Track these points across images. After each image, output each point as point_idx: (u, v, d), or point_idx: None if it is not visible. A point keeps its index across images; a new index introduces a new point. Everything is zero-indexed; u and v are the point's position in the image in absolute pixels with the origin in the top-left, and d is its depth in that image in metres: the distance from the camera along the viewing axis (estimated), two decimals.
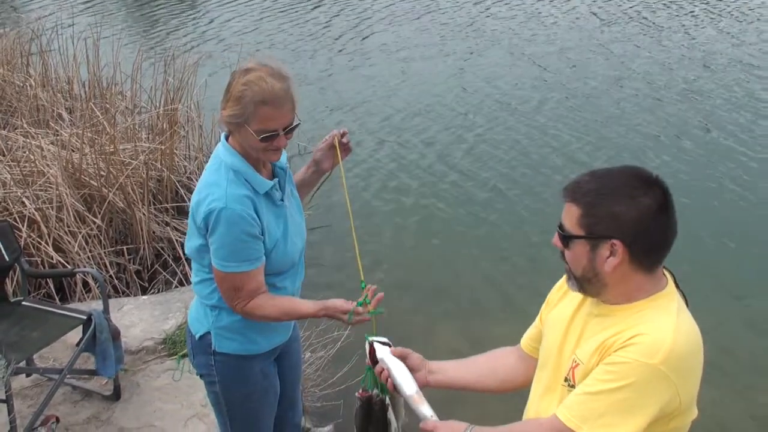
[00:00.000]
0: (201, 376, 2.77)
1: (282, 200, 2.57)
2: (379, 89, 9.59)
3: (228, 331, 2.61)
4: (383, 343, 2.20)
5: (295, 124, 2.45)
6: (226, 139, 2.52)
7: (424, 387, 2.18)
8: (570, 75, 9.85)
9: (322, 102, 9.12)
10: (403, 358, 2.16)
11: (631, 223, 1.77)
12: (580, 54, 10.60)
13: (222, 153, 2.49)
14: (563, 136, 8.10)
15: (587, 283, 1.87)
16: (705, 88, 9.21)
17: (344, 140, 2.69)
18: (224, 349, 2.63)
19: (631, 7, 12.52)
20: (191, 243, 2.55)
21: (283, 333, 2.77)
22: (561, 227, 1.87)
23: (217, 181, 2.44)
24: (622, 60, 10.24)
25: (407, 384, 2.11)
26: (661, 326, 1.77)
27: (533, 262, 5.91)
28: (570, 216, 1.84)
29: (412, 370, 2.19)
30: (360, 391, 2.20)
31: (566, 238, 1.86)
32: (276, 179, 2.56)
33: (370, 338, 2.22)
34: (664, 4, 12.65)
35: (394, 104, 9.11)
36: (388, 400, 2.18)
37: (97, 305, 4.16)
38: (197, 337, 2.66)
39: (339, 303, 2.48)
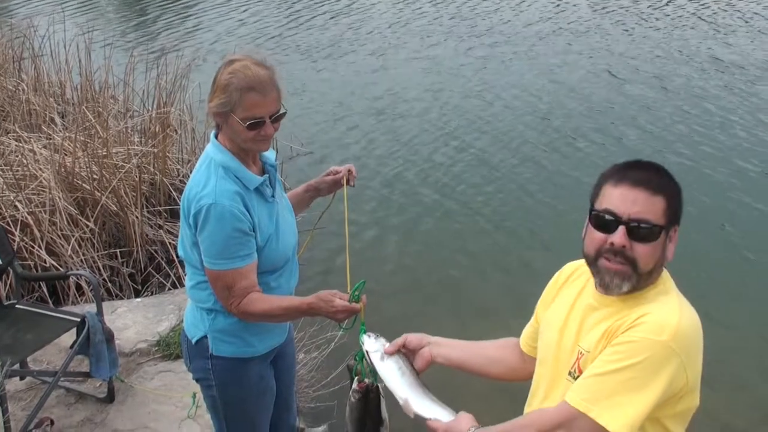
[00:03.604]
0: (197, 381, 2.76)
1: (273, 196, 2.58)
2: (378, 93, 9.64)
3: (225, 334, 2.61)
4: (376, 345, 2.18)
5: (281, 112, 2.47)
6: (216, 137, 2.53)
7: (429, 365, 2.19)
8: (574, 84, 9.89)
9: (322, 105, 9.19)
10: (401, 347, 2.19)
11: (682, 207, 1.88)
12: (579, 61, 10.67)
13: (211, 150, 2.51)
14: (573, 141, 8.15)
15: (648, 276, 1.86)
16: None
17: (351, 184, 2.85)
18: (221, 352, 2.62)
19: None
20: (185, 243, 2.56)
21: (279, 335, 2.77)
22: (642, 221, 1.81)
23: (206, 177, 2.45)
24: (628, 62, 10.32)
25: (397, 391, 2.09)
26: (665, 307, 1.81)
27: (530, 260, 5.94)
28: (653, 207, 1.82)
29: (413, 351, 2.20)
30: (356, 382, 2.17)
31: (654, 230, 1.82)
32: (266, 175, 2.57)
33: (363, 340, 2.20)
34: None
35: (390, 107, 9.16)
36: (381, 387, 2.16)
37: (90, 308, 4.15)
38: (194, 341, 2.65)
39: (329, 293, 2.45)
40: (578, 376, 1.86)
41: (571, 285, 2.06)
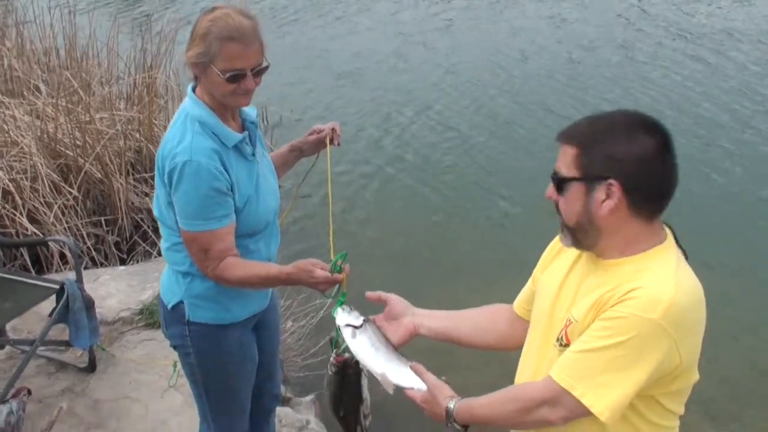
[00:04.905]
0: (175, 348, 2.65)
1: (253, 155, 2.45)
2: (364, 60, 9.55)
3: (202, 299, 2.49)
4: (350, 325, 2.07)
5: (264, 65, 2.34)
6: (194, 90, 2.40)
7: (413, 337, 2.09)
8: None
9: (307, 71, 9.08)
10: (382, 302, 2.12)
11: (628, 162, 1.68)
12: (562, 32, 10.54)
13: (188, 105, 2.37)
14: (543, 104, 8.11)
15: (582, 233, 1.76)
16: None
17: (335, 143, 2.69)
18: (199, 318, 2.51)
19: None
20: (160, 202, 2.44)
21: (259, 301, 2.66)
22: (555, 173, 1.76)
23: (182, 133, 2.31)
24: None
25: (373, 367, 2.00)
26: (660, 279, 1.67)
27: (517, 227, 5.91)
28: (565, 158, 1.73)
29: (396, 317, 2.10)
30: (334, 356, 2.10)
31: (561, 182, 1.74)
32: (246, 132, 2.44)
33: (336, 314, 2.10)
34: None
35: (377, 75, 9.10)
36: (363, 367, 2.07)
37: (72, 276, 4.04)
38: (170, 307, 2.54)
39: (309, 263, 2.33)
40: (565, 344, 1.76)
41: (570, 248, 1.94)
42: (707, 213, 5.96)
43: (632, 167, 1.67)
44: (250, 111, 2.52)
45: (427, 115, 7.96)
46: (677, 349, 1.66)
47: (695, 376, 1.78)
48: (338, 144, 2.73)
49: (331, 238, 2.45)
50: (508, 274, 4.96)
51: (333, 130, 2.71)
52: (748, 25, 10.11)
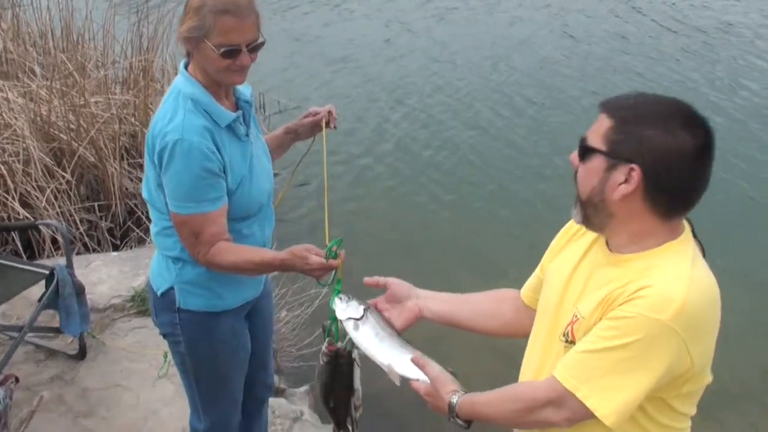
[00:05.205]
0: (164, 336, 2.57)
1: (247, 135, 2.36)
2: (362, 48, 9.45)
3: (193, 285, 2.41)
4: (351, 317, 1.99)
5: (260, 41, 2.25)
6: (186, 67, 2.30)
7: (418, 320, 2.02)
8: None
9: (300, 56, 9.01)
10: (382, 286, 2.05)
11: (658, 152, 1.58)
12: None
13: (180, 82, 2.28)
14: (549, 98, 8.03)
15: (592, 210, 1.67)
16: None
17: (331, 126, 2.61)
18: (189, 305, 2.43)
19: None
20: (149, 184, 2.35)
21: (253, 287, 2.57)
22: (583, 139, 1.67)
23: (173, 110, 2.23)
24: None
25: (378, 358, 1.93)
26: (672, 277, 1.58)
27: (518, 219, 5.82)
28: (598, 128, 1.64)
29: (399, 301, 2.03)
30: (326, 345, 2.02)
31: (585, 150, 1.65)
32: (240, 112, 2.34)
33: (334, 304, 2.02)
34: None
35: (376, 63, 8.99)
36: (355, 355, 2.01)
37: (63, 261, 3.95)
38: (159, 293, 2.46)
39: (304, 248, 2.25)
40: (571, 341, 1.68)
41: (583, 237, 1.85)
42: (702, 211, 5.89)
43: (660, 159, 1.58)
44: (245, 90, 2.43)
45: (421, 106, 7.85)
46: (688, 351, 1.57)
47: (708, 378, 1.69)
48: (334, 127, 2.65)
49: (326, 224, 2.37)
50: (508, 267, 4.91)
51: (329, 112, 2.63)
52: (740, 19, 10.00)
